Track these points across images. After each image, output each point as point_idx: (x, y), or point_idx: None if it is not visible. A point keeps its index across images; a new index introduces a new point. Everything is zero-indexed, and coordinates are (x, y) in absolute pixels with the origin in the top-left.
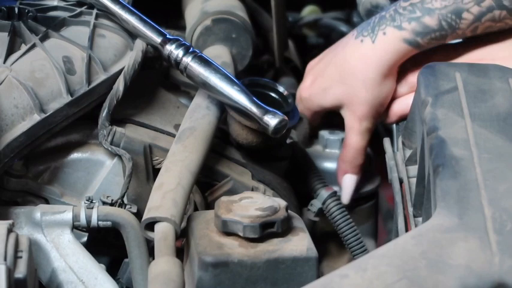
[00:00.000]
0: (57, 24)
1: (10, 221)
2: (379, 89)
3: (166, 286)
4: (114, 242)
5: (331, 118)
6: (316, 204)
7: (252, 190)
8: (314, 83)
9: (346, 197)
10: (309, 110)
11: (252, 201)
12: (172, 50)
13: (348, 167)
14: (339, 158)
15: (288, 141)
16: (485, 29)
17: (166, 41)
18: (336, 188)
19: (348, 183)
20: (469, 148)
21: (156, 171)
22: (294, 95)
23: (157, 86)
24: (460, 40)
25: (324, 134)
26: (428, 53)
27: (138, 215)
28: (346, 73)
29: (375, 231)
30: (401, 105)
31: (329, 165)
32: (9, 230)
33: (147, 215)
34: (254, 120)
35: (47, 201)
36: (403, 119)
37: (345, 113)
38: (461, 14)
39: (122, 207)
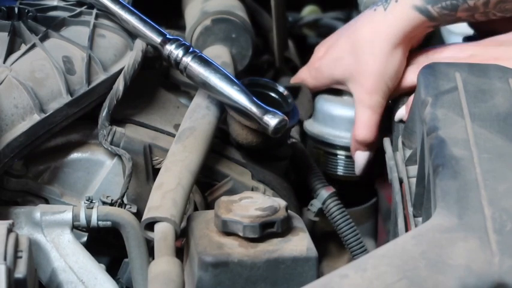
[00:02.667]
0: (57, 24)
1: (10, 221)
2: (388, 60)
3: (166, 286)
4: (114, 242)
5: None
6: (316, 204)
7: (252, 190)
8: (326, 53)
9: (358, 171)
10: (318, 82)
11: (252, 201)
12: (172, 50)
13: (359, 145)
14: (351, 135)
15: (289, 141)
16: (496, 5)
17: (166, 41)
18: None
19: (360, 160)
20: (469, 148)
21: (156, 171)
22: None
23: (157, 86)
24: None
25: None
26: (441, 48)
27: (138, 215)
28: (357, 43)
29: (374, 231)
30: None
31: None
32: (9, 230)
33: (147, 215)
34: (254, 120)
35: (47, 201)
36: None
37: (354, 87)
38: None
39: (121, 207)
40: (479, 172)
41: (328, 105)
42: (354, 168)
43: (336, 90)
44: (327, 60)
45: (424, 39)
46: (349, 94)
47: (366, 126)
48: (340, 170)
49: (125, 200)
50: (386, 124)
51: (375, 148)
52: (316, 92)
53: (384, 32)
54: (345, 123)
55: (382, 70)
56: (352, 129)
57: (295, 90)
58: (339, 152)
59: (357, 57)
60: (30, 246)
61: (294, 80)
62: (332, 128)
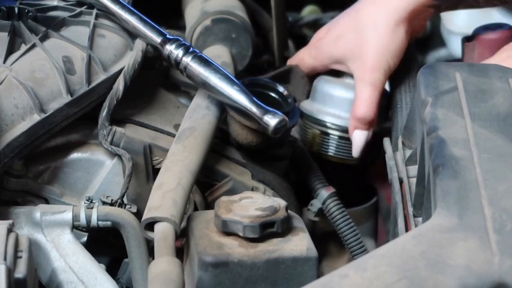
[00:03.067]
0: (57, 24)
1: (10, 221)
2: (391, 37)
3: (166, 286)
4: (114, 242)
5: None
6: (316, 204)
7: (252, 190)
8: (328, 32)
9: (355, 152)
10: (317, 61)
11: (252, 201)
12: (172, 50)
13: (358, 123)
14: (351, 113)
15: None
16: None
17: (166, 41)
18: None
19: (358, 140)
20: (469, 148)
21: (156, 171)
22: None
23: (157, 86)
24: None
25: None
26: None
27: (138, 215)
28: (360, 21)
29: (374, 231)
30: None
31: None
32: (9, 230)
33: (147, 215)
34: (254, 120)
35: (47, 201)
36: None
37: (354, 65)
38: None
39: (121, 207)
40: (479, 172)
41: (328, 86)
42: (350, 150)
43: (335, 72)
44: (328, 39)
45: (424, 40)
46: (349, 76)
47: (366, 103)
48: (335, 152)
49: (125, 200)
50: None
51: (373, 128)
52: (314, 75)
53: (387, 10)
54: (344, 104)
55: (385, 47)
56: (350, 110)
57: (286, 73)
58: (336, 132)
59: (359, 35)
60: (30, 246)
61: (292, 60)
62: (331, 108)
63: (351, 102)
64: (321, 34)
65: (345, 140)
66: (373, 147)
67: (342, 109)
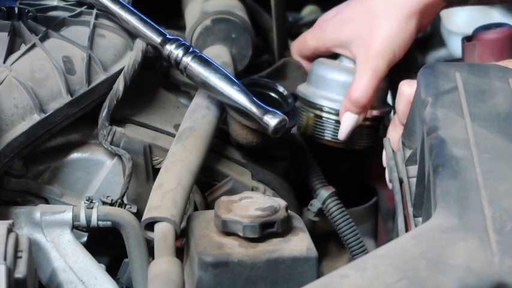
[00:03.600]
0: (57, 24)
1: (10, 221)
2: (402, 27)
3: (166, 286)
4: (114, 242)
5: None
6: (316, 204)
7: (252, 190)
8: (336, 15)
9: (342, 134)
10: (319, 42)
11: (252, 201)
12: (172, 50)
13: (351, 106)
14: (345, 95)
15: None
16: None
17: (166, 41)
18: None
19: (348, 122)
20: (469, 148)
21: (156, 171)
22: (293, 95)
23: (157, 86)
24: None
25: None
26: None
27: (138, 215)
28: (371, 8)
29: (375, 231)
30: None
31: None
32: (9, 230)
33: (147, 215)
34: (254, 120)
35: (47, 201)
36: None
37: (358, 49)
38: None
39: (121, 207)
40: (479, 172)
41: (324, 69)
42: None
43: (333, 56)
44: (335, 21)
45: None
46: (347, 60)
47: (363, 86)
48: (328, 135)
49: (125, 200)
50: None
51: (364, 114)
52: (314, 58)
53: (402, 0)
54: (339, 87)
55: (394, 35)
56: (345, 94)
57: (282, 68)
58: (331, 116)
59: (369, 21)
60: (30, 246)
61: (295, 41)
62: (326, 91)
63: (346, 86)
64: (329, 16)
65: (338, 123)
66: (371, 132)
67: (337, 93)
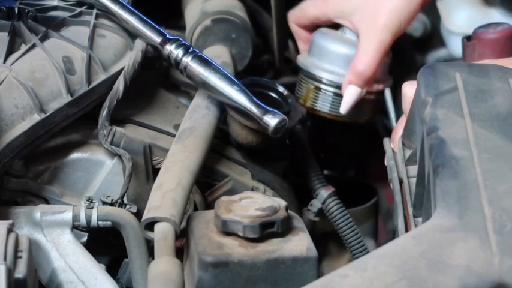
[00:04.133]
0: (57, 24)
1: (10, 221)
2: (407, 0)
3: (166, 286)
4: (114, 242)
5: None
6: (316, 204)
7: (252, 190)
8: None
9: (344, 107)
10: (320, 11)
11: (252, 201)
12: (172, 50)
13: (355, 79)
14: (349, 68)
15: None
16: None
17: (166, 41)
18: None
19: (350, 95)
20: (469, 148)
21: (156, 171)
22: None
23: (157, 86)
24: None
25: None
26: None
27: (138, 215)
28: None
29: (375, 231)
30: None
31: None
32: (9, 230)
33: (147, 215)
34: (254, 120)
35: (47, 201)
36: None
37: (363, 21)
38: None
39: (121, 207)
40: (479, 172)
41: (326, 40)
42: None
43: (332, 26)
44: None
45: (424, 40)
46: (349, 31)
47: (368, 59)
48: (326, 107)
49: (125, 200)
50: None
51: (367, 88)
52: (312, 28)
53: None
54: (341, 60)
55: (401, 8)
56: (347, 67)
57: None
58: (331, 89)
59: None
60: (30, 246)
61: (294, 10)
62: (327, 63)
63: (348, 59)
64: None
65: (339, 96)
66: (373, 105)
67: (338, 65)
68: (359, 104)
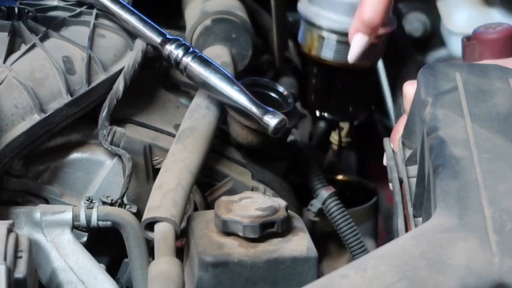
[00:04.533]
0: (57, 24)
1: (10, 221)
2: None
3: (166, 286)
4: (114, 242)
5: None
6: (316, 204)
7: (252, 190)
8: None
9: (352, 56)
10: None
11: (252, 201)
12: (172, 50)
13: (363, 26)
14: (354, 16)
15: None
16: None
17: (166, 41)
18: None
19: (358, 43)
20: (469, 148)
21: (156, 171)
22: (294, 95)
23: (157, 86)
24: None
25: None
26: None
27: (138, 215)
28: None
29: (375, 231)
30: None
31: None
32: (9, 230)
33: (147, 215)
34: (254, 120)
35: (47, 201)
36: None
37: None
38: None
39: (121, 207)
40: (479, 172)
41: None
42: (345, 54)
43: None
44: None
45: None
46: None
47: (375, 6)
48: (330, 55)
49: (125, 200)
50: None
51: (374, 36)
52: None
53: None
54: (345, 7)
55: None
56: (350, 14)
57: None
58: (335, 36)
59: None
60: (30, 246)
61: None
62: (330, 11)
63: (353, 7)
64: None
65: (344, 44)
66: (377, 49)
67: (343, 13)
68: (364, 50)
